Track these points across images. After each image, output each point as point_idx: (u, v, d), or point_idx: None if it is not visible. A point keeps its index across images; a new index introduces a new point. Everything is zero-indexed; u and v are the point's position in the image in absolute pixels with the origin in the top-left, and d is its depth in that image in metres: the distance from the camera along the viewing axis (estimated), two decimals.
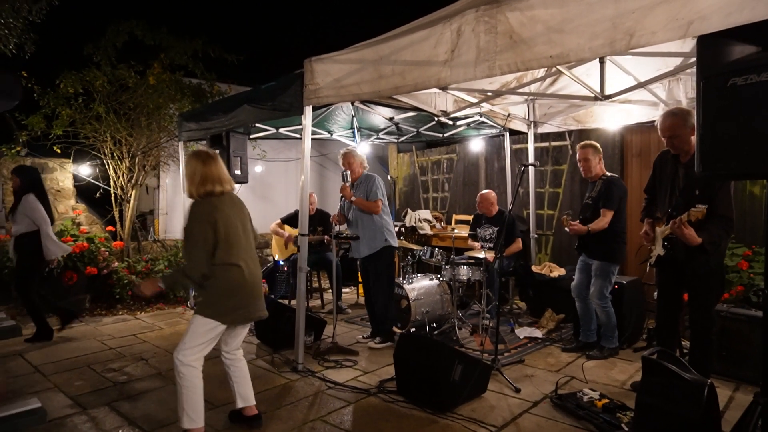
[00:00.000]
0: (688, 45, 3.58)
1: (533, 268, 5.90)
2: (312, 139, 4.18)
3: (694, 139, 3.19)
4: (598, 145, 4.40)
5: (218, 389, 3.52)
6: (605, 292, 4.29)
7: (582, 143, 4.45)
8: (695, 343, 3.36)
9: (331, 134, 6.98)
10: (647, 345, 4.48)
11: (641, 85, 4.17)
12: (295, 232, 6.28)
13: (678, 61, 3.91)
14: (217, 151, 5.70)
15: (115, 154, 6.99)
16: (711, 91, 2.12)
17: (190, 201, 2.94)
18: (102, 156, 7.01)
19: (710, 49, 2.14)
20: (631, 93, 4.37)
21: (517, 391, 3.63)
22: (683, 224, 3.05)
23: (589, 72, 4.22)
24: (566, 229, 4.33)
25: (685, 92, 4.54)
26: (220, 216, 2.85)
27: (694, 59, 3.02)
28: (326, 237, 5.92)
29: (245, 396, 3.10)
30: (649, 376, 2.70)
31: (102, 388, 3.81)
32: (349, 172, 4.74)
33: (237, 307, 2.89)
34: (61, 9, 6.65)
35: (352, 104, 5.68)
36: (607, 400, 3.23)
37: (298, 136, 6.75)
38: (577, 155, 4.42)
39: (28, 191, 4.80)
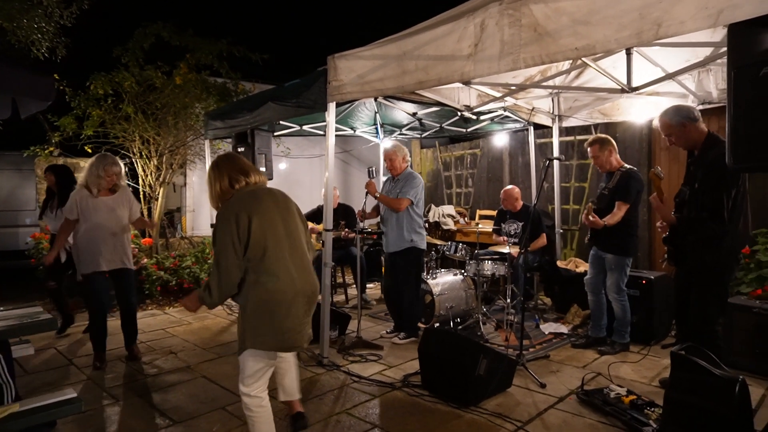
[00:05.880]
0: (719, 34, 3.49)
1: (559, 263, 5.84)
2: (335, 135, 4.21)
3: (691, 133, 3.22)
4: (605, 137, 4.34)
5: None
6: (622, 286, 4.24)
7: (588, 141, 4.41)
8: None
9: (355, 130, 7.01)
10: (676, 341, 4.40)
11: (669, 76, 4.07)
12: (317, 227, 6.34)
13: (708, 51, 3.81)
14: (242, 149, 5.83)
15: (143, 153, 7.15)
16: (743, 81, 2.08)
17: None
18: (131, 155, 7.17)
19: (742, 38, 2.10)
20: (660, 85, 4.27)
21: (543, 386, 3.60)
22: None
23: (615, 64, 4.14)
24: (588, 217, 4.14)
25: (715, 83, 4.43)
26: (247, 209, 2.39)
27: (724, 49, 2.94)
28: (345, 231, 5.94)
29: (287, 388, 2.86)
30: (678, 371, 2.66)
31: (134, 380, 3.92)
32: (374, 168, 4.78)
33: (280, 331, 2.42)
34: (90, 13, 6.84)
35: (375, 100, 5.69)
36: (634, 397, 3.18)
37: (321, 132, 6.80)
38: (588, 154, 4.39)
39: (69, 187, 4.87)
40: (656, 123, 3.46)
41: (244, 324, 2.44)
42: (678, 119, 3.24)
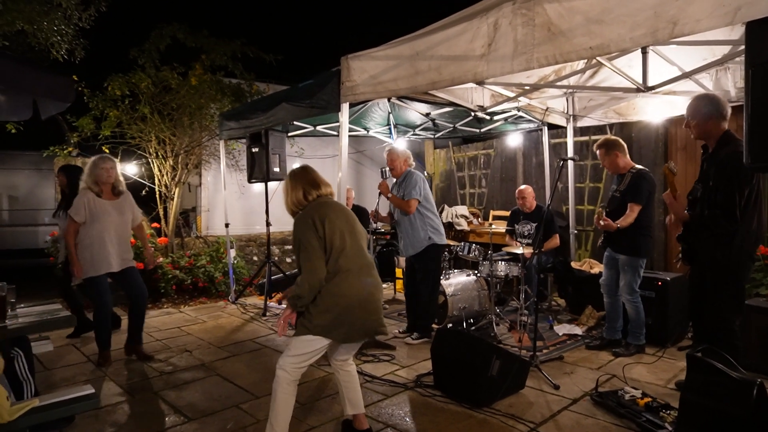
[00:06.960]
0: (737, 32, 3.44)
1: (573, 264, 5.79)
2: (349, 136, 4.22)
3: (710, 127, 3.17)
4: (611, 141, 4.31)
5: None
6: (635, 287, 4.21)
7: (595, 144, 4.39)
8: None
9: (368, 131, 7.02)
10: (692, 343, 4.35)
11: (686, 75, 4.02)
12: None
13: (726, 49, 3.76)
14: (256, 149, 5.87)
15: (159, 153, 7.24)
16: (760, 79, 2.05)
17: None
18: (147, 155, 7.26)
19: (760, 36, 2.07)
20: (676, 84, 4.22)
21: (556, 387, 3.58)
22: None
23: (631, 63, 4.10)
24: (600, 222, 4.14)
25: (733, 82, 4.37)
26: (320, 214, 2.66)
27: (742, 47, 2.91)
28: None
29: (354, 402, 2.90)
30: (694, 373, 2.62)
31: (149, 377, 3.98)
32: (388, 169, 4.77)
33: (344, 324, 2.62)
34: (107, 15, 6.94)
35: (389, 101, 5.70)
36: (649, 399, 3.15)
37: (335, 133, 6.82)
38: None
39: (77, 189, 4.95)
40: (681, 113, 3.38)
41: (318, 316, 2.60)
42: (709, 109, 3.15)
